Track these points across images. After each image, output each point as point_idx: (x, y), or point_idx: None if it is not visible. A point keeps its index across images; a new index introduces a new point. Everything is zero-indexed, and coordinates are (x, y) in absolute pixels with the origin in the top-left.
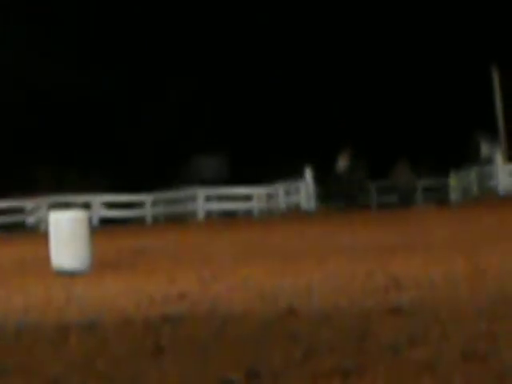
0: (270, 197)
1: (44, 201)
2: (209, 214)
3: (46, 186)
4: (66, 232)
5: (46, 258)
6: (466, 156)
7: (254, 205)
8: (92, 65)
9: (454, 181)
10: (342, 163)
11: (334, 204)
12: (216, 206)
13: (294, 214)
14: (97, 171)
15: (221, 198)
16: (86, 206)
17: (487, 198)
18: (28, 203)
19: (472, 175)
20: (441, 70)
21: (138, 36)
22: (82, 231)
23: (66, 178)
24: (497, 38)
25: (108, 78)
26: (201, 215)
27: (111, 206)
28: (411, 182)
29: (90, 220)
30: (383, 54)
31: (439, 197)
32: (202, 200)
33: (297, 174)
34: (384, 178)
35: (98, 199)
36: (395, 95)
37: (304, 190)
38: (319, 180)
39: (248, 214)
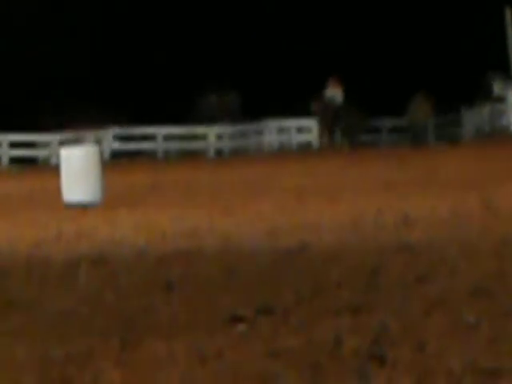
0: (280, 133)
1: (56, 135)
2: (219, 152)
3: (59, 120)
4: (78, 167)
5: (58, 192)
6: (477, 94)
7: (265, 141)
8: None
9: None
10: (332, 91)
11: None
12: (226, 144)
13: (305, 150)
14: (111, 106)
15: (231, 137)
16: (98, 138)
17: (499, 135)
18: (40, 137)
19: (484, 112)
20: (457, 11)
21: None
22: (94, 166)
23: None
24: None
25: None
26: (211, 153)
27: (123, 138)
28: (427, 117)
29: (101, 154)
30: None
31: (451, 133)
32: (214, 138)
33: (310, 111)
34: (397, 115)
35: (109, 132)
36: (409, 32)
37: (316, 128)
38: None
39: (259, 150)
